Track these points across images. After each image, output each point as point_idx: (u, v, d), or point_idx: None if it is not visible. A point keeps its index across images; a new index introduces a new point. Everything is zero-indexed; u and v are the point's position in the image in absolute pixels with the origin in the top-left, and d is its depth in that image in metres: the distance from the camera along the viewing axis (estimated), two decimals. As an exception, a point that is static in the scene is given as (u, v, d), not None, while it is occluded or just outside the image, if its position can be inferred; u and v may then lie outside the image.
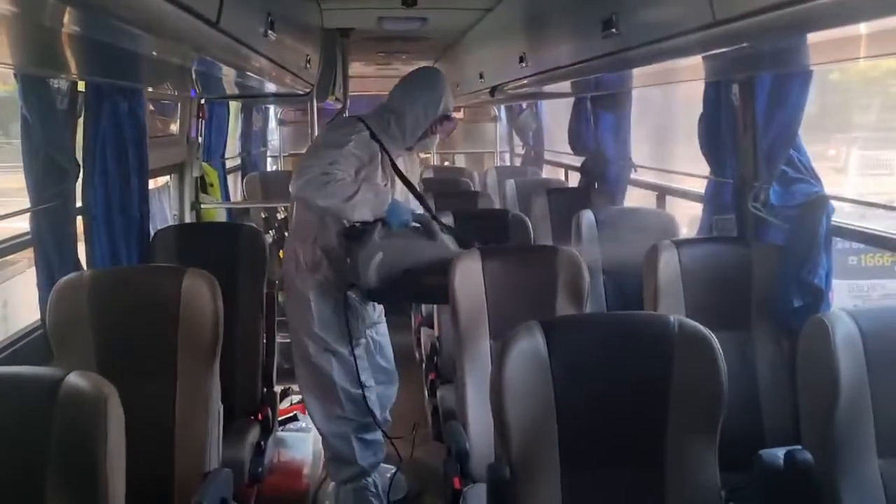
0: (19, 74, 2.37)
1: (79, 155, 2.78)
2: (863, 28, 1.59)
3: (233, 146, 6.26)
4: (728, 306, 2.66)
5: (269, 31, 2.09)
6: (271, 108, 7.78)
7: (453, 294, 2.61)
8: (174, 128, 4.34)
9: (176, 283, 2.26)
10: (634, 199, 4.62)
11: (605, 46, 2.23)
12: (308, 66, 3.37)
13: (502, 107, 7.88)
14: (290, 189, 2.73)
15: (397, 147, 2.88)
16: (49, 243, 2.55)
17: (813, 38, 1.84)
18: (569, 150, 5.24)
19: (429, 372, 3.44)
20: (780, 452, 1.77)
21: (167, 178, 4.35)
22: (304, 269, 2.94)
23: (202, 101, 4.36)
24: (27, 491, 1.39)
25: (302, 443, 3.55)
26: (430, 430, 3.38)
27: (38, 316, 2.59)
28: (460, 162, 8.72)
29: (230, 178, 6.17)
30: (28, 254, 2.81)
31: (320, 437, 3.15)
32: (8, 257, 2.81)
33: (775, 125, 2.63)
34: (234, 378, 2.91)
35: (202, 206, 4.45)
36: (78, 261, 2.69)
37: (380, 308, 3.17)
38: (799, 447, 1.73)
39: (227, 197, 5.35)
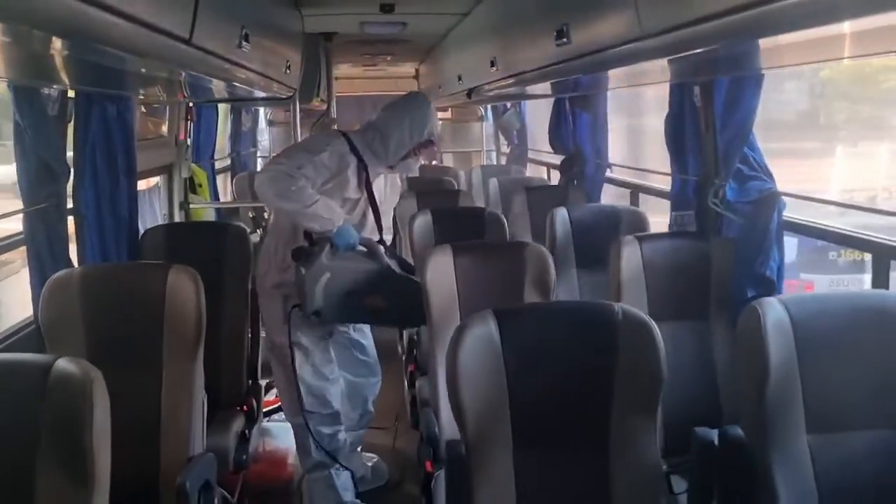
0: (11, 84, 2.49)
1: (70, 158, 2.91)
2: (805, 34, 1.73)
3: (223, 147, 6.39)
4: (688, 297, 2.80)
5: (244, 42, 2.22)
6: (261, 110, 7.89)
7: (426, 289, 2.74)
8: (164, 128, 4.47)
9: (161, 279, 2.40)
10: (611, 196, 4.77)
11: (559, 54, 2.37)
12: (288, 70, 3.50)
13: (488, 106, 8.02)
14: (256, 181, 2.84)
15: (378, 165, 2.98)
16: (41, 243, 2.68)
17: (764, 42, 1.98)
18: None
19: (408, 364, 3.58)
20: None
21: (157, 179, 4.49)
22: (276, 266, 3.01)
23: (190, 105, 4.49)
24: (18, 471, 1.51)
25: (286, 433, 3.64)
26: (409, 420, 3.52)
27: (27, 316, 2.73)
28: (448, 161, 8.84)
29: (220, 178, 6.31)
30: (22, 253, 2.94)
31: None
32: (3, 256, 2.93)
33: (731, 125, 2.77)
34: (220, 371, 3.05)
35: (191, 206, 4.59)
36: (69, 259, 2.82)
37: None
38: (732, 425, 1.87)
39: (216, 197, 5.48)
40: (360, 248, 2.88)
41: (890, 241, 2.27)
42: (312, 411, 3.01)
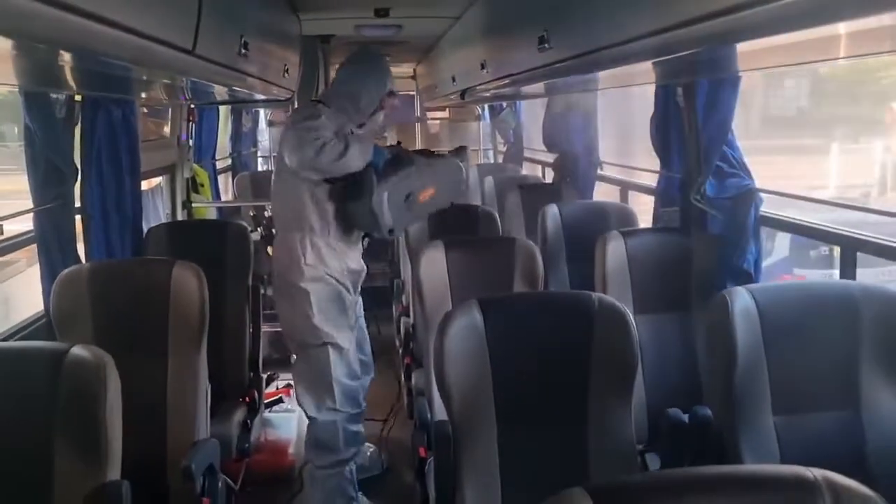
0: (22, 90, 2.62)
1: (77, 159, 3.04)
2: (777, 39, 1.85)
3: (224, 147, 6.52)
4: (671, 290, 2.93)
5: (244, 50, 2.34)
6: (261, 111, 8.01)
7: (419, 282, 2.87)
8: (166, 129, 4.60)
9: (166, 274, 2.52)
10: (603, 193, 4.90)
11: (542, 58, 2.49)
12: (286, 74, 3.62)
13: (485, 106, 8.14)
14: (291, 164, 2.87)
15: (352, 124, 3.04)
16: (51, 240, 2.81)
17: (740, 46, 2.10)
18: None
19: (404, 357, 3.70)
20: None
21: (160, 179, 4.61)
22: (301, 262, 2.98)
23: (192, 106, 4.61)
24: (38, 449, 1.64)
25: (287, 423, 3.79)
26: (405, 410, 3.64)
27: (36, 311, 2.86)
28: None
29: (222, 177, 6.44)
30: (26, 253, 3.06)
31: (306, 420, 3.22)
32: (7, 257, 3.05)
33: (711, 125, 2.90)
34: (223, 363, 3.16)
35: (193, 205, 4.71)
36: (77, 256, 2.95)
37: (360, 302, 3.34)
38: (701, 406, 2.00)
39: (217, 196, 5.61)
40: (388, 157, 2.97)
41: (855, 233, 2.39)
42: (343, 410, 3.05)
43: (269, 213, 5.24)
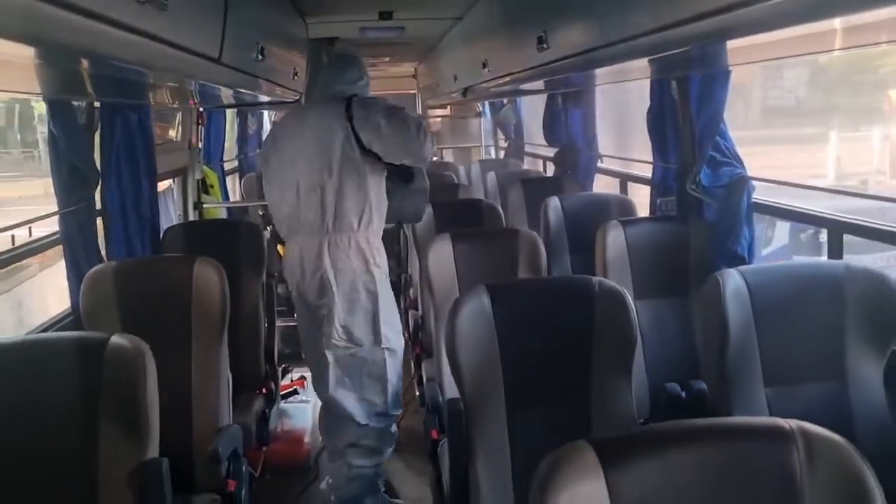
0: (47, 98, 2.76)
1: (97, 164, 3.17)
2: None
3: (230, 149, 6.64)
4: (669, 276, 3.05)
5: (261, 56, 2.47)
6: (265, 112, 8.13)
7: (428, 274, 3.00)
8: (172, 133, 4.73)
9: (188, 270, 2.66)
10: (603, 185, 5.02)
11: (541, 58, 2.62)
12: (296, 77, 3.76)
13: (486, 103, 8.26)
14: (428, 156, 3.05)
15: None
16: (76, 241, 2.94)
17: (729, 43, 2.22)
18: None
19: (414, 347, 3.83)
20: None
21: (170, 182, 4.74)
22: (371, 263, 2.97)
23: (201, 110, 4.75)
24: (84, 429, 1.78)
25: (303, 413, 3.93)
26: (416, 399, 3.78)
27: (50, 315, 2.99)
28: (447, 156, 9.08)
29: (229, 179, 6.56)
30: (38, 258, 3.18)
31: (325, 413, 3.18)
32: (22, 262, 3.18)
33: (703, 117, 3.02)
34: (240, 357, 3.28)
35: (204, 206, 4.84)
36: (101, 256, 3.08)
37: None
38: (697, 380, 2.13)
39: (226, 197, 5.74)
40: None
41: (840, 217, 2.52)
42: (394, 414, 3.11)
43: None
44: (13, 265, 3.03)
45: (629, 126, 4.92)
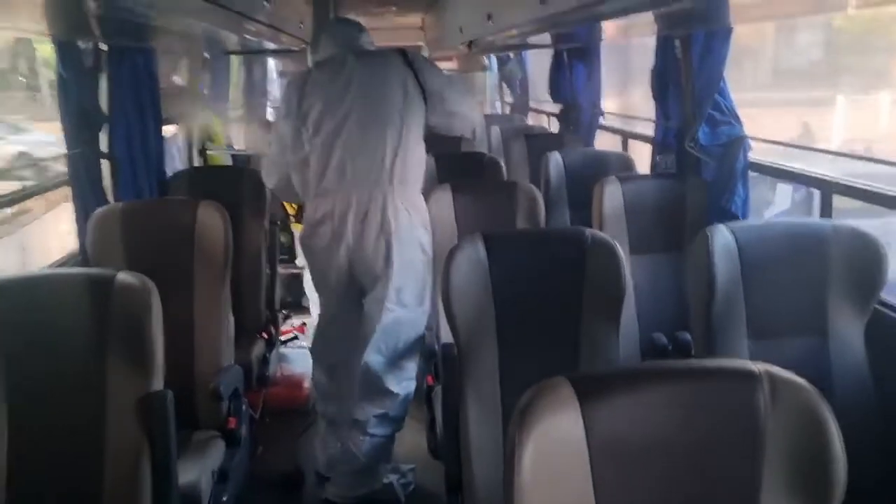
0: (56, 40, 2.79)
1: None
2: None
3: (235, 98, 6.64)
4: (664, 232, 3.10)
5: (266, 3, 2.50)
6: (270, 60, 8.11)
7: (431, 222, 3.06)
8: (175, 78, 4.74)
9: (192, 213, 2.72)
10: (609, 143, 5.04)
11: (544, 10, 2.64)
12: (301, 25, 3.77)
13: (493, 57, 8.23)
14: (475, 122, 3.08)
15: None
16: (83, 182, 3.00)
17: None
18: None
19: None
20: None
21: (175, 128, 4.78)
22: (427, 221, 2.93)
23: (206, 56, 4.76)
24: (92, 362, 1.86)
25: (303, 358, 4.01)
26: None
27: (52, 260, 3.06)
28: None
29: (233, 127, 6.58)
30: (37, 202, 3.23)
31: (341, 381, 3.02)
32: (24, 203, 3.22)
33: (704, 74, 3.05)
34: (241, 300, 3.37)
35: (208, 152, 4.89)
36: (105, 197, 3.15)
37: None
38: (682, 332, 2.20)
39: (230, 145, 5.77)
40: None
41: (831, 178, 2.57)
42: (415, 380, 3.04)
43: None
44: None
45: (633, 84, 4.93)
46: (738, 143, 2.98)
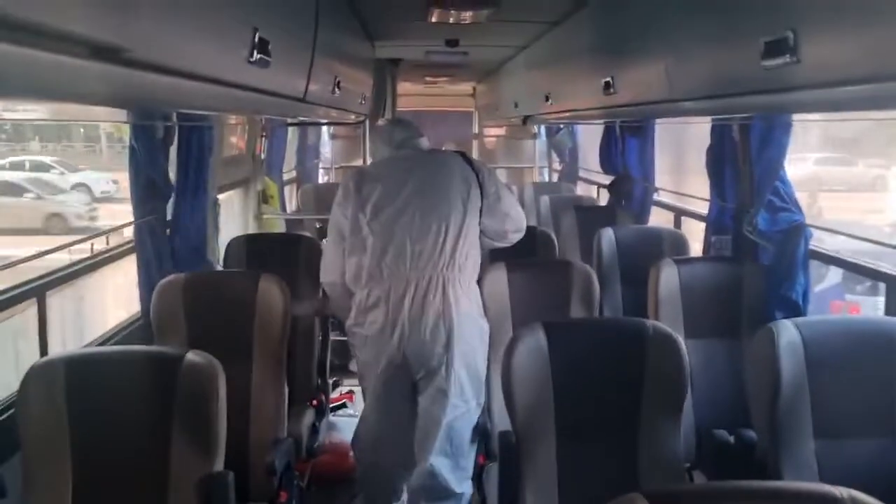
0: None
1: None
2: None
3: (289, 159, 6.81)
4: (721, 318, 3.07)
5: (337, 90, 2.58)
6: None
7: (484, 300, 3.06)
8: (233, 139, 4.87)
9: (253, 285, 2.77)
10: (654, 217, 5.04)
11: (606, 101, 2.69)
12: (363, 101, 3.88)
13: (542, 125, 8.31)
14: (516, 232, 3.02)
15: None
16: (148, 251, 3.08)
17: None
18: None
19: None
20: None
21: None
22: (479, 311, 2.87)
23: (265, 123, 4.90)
24: (157, 439, 1.89)
25: (350, 426, 4.00)
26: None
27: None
28: (502, 176, 9.14)
29: (287, 189, 6.73)
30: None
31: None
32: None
33: (764, 161, 3.05)
34: (294, 369, 3.38)
35: (264, 216, 4.99)
36: (170, 265, 3.21)
37: None
38: (746, 429, 2.15)
39: (284, 208, 5.90)
40: None
41: (898, 271, 2.53)
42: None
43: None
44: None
45: (685, 161, 4.95)
46: (798, 230, 2.96)
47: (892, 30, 1.15)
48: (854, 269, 2.94)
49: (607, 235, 3.98)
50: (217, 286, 2.86)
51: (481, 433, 2.80)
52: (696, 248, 3.96)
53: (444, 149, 2.96)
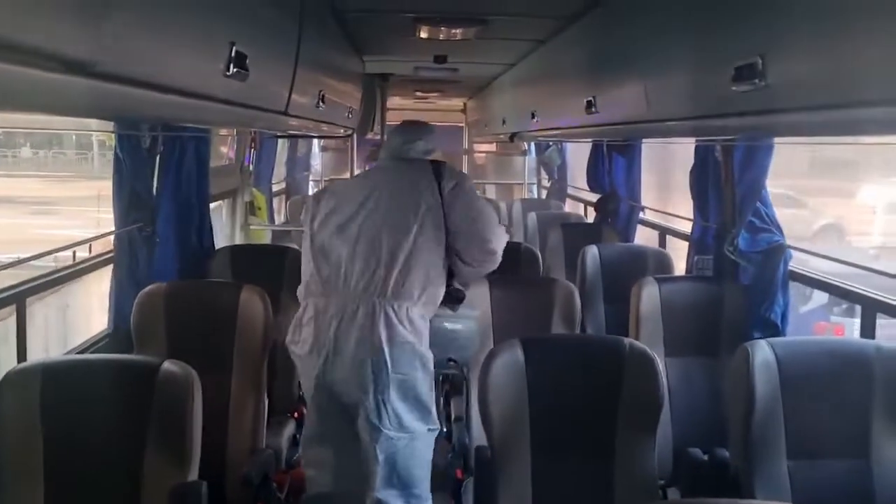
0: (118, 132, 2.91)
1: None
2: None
3: (278, 170, 6.82)
4: (701, 337, 3.08)
5: (322, 104, 2.60)
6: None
7: None
8: (222, 149, 4.87)
9: (234, 296, 2.77)
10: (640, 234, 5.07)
11: (590, 119, 2.71)
12: (350, 115, 3.90)
13: (532, 142, 8.35)
14: (498, 251, 2.64)
15: None
16: (124, 263, 3.06)
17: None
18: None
19: (444, 384, 3.89)
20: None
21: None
22: (425, 339, 2.57)
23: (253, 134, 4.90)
24: (131, 449, 1.89)
25: (331, 440, 4.00)
26: (443, 434, 3.83)
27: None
28: (490, 192, 9.18)
29: (275, 200, 6.73)
30: None
31: None
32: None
33: (745, 182, 3.08)
34: (275, 380, 3.38)
35: (251, 227, 4.99)
36: (149, 276, 3.20)
37: None
38: (721, 448, 2.17)
39: (272, 219, 5.90)
40: None
41: (876, 294, 2.55)
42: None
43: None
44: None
45: (670, 180, 4.98)
46: (778, 251, 2.99)
47: (856, 58, 1.18)
48: (832, 291, 2.96)
49: (591, 253, 4.00)
50: (199, 296, 2.86)
51: (459, 448, 2.80)
52: (680, 268, 3.99)
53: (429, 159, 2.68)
